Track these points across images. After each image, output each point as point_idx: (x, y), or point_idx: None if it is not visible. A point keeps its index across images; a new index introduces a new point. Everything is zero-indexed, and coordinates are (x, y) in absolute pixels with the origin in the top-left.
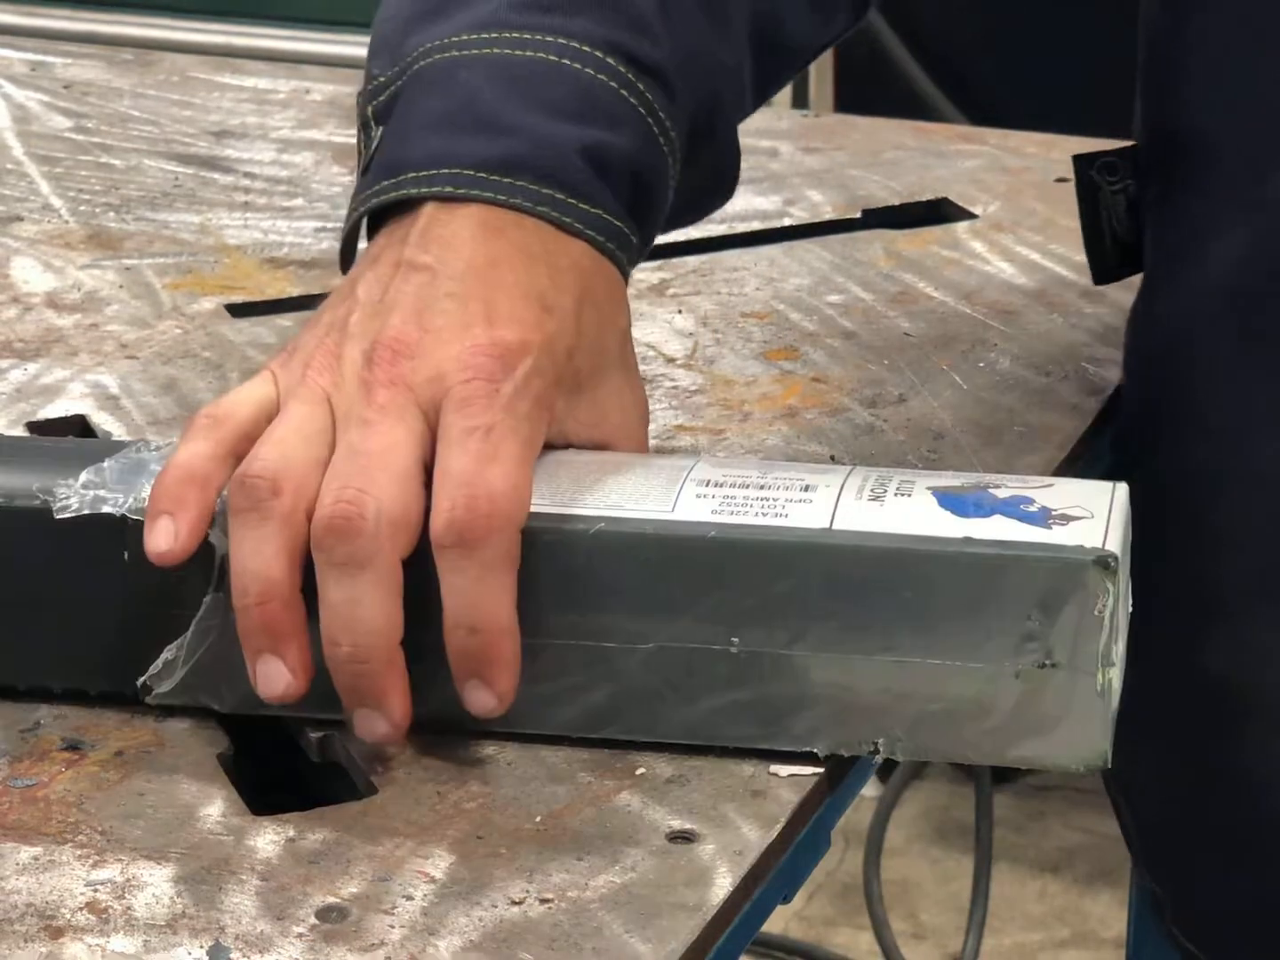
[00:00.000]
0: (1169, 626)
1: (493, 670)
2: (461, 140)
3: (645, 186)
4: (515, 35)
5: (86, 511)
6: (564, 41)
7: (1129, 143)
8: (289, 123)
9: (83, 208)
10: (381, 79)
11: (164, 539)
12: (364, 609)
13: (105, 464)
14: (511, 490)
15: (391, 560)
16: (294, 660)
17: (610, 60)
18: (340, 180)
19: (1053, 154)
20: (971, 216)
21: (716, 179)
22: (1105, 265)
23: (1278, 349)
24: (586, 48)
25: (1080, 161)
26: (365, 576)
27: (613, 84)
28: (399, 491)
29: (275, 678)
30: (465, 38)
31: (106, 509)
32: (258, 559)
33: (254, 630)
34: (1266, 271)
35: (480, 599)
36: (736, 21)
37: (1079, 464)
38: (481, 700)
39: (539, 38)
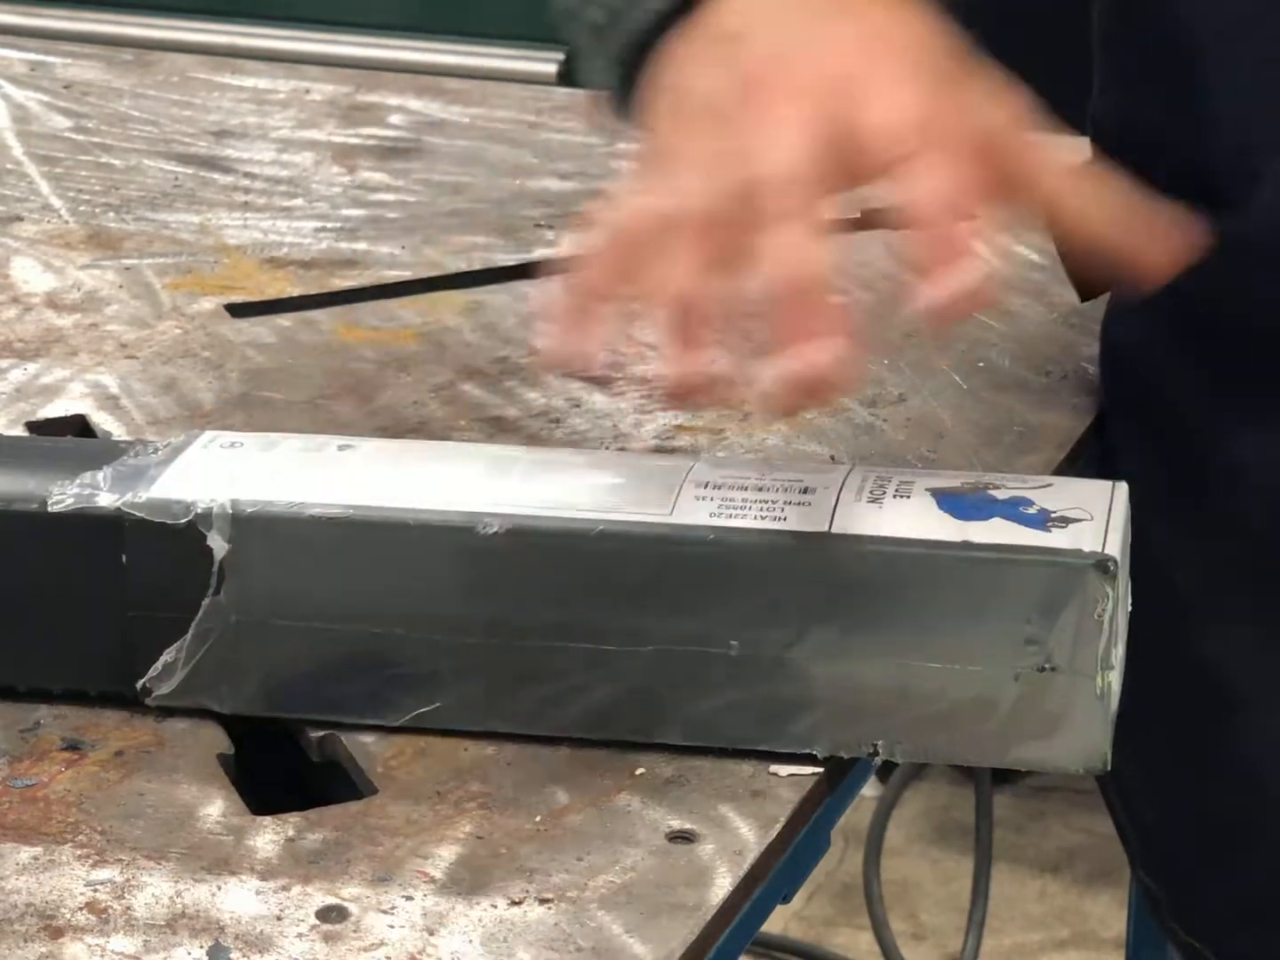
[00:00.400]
0: (1159, 620)
1: (813, 324)
2: None
3: None
4: None
5: (82, 505)
6: None
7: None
8: (289, 123)
9: (83, 208)
10: None
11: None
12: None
13: (104, 470)
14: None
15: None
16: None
17: None
18: (340, 180)
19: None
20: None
21: None
22: (1085, 281)
23: (1244, 342)
24: None
25: None
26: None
27: None
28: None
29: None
30: None
31: (101, 502)
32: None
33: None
34: (1235, 263)
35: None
36: None
37: (1079, 464)
38: (805, 358)
39: None
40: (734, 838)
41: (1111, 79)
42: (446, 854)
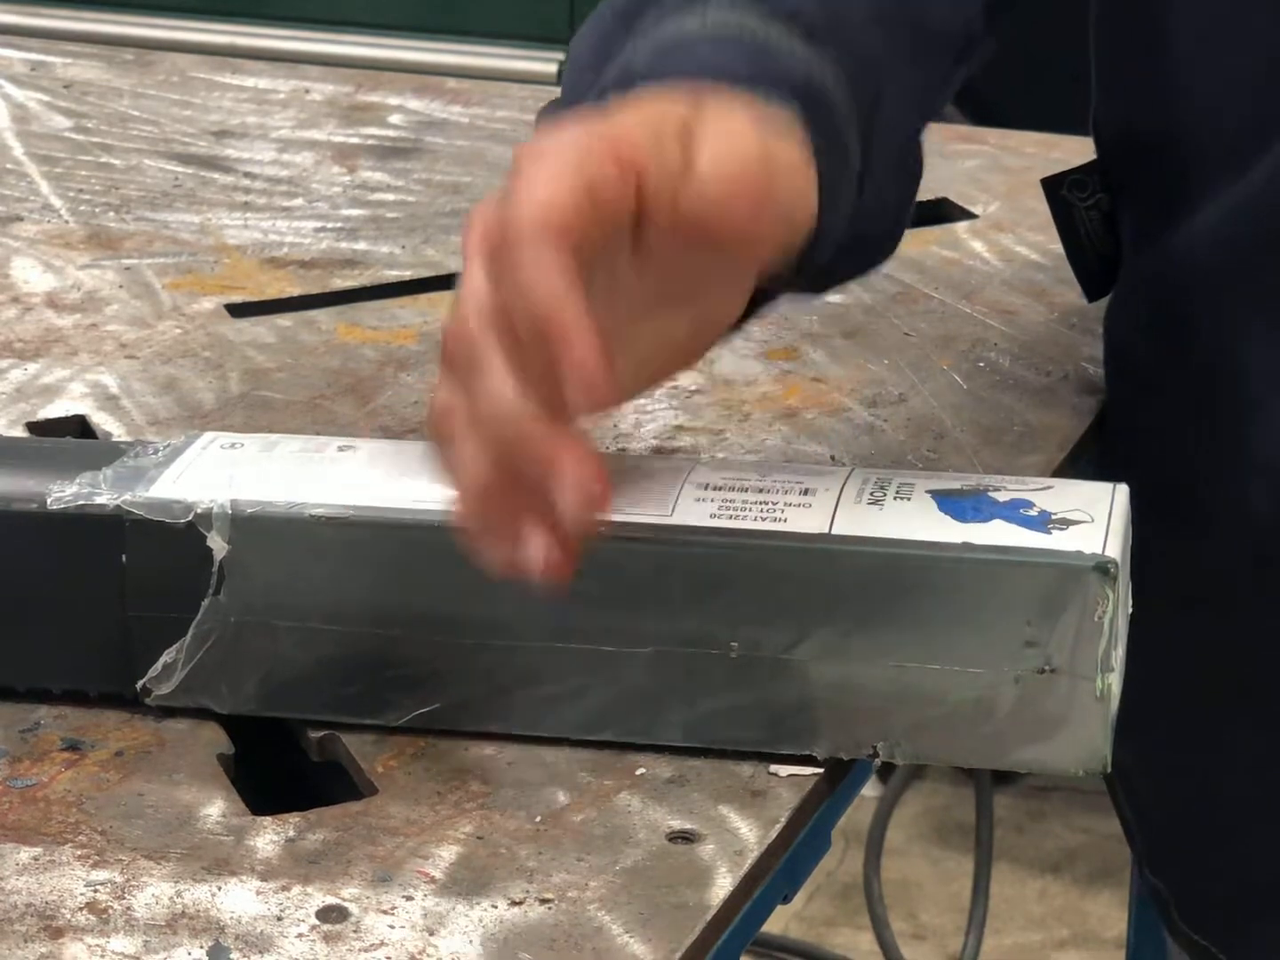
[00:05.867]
0: (1160, 612)
1: (567, 352)
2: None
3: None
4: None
5: (81, 502)
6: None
7: (1091, 158)
8: (289, 123)
9: (83, 208)
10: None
11: None
12: None
13: (104, 470)
14: None
15: None
16: None
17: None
18: (340, 180)
19: (1053, 154)
20: (971, 216)
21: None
22: (1093, 281)
23: (1242, 331)
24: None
25: (1049, 184)
26: None
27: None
28: None
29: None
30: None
31: (101, 502)
32: None
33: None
34: (1245, 247)
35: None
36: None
37: (1079, 464)
38: (574, 392)
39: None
40: (734, 838)
41: (1107, 85)
42: (446, 854)
